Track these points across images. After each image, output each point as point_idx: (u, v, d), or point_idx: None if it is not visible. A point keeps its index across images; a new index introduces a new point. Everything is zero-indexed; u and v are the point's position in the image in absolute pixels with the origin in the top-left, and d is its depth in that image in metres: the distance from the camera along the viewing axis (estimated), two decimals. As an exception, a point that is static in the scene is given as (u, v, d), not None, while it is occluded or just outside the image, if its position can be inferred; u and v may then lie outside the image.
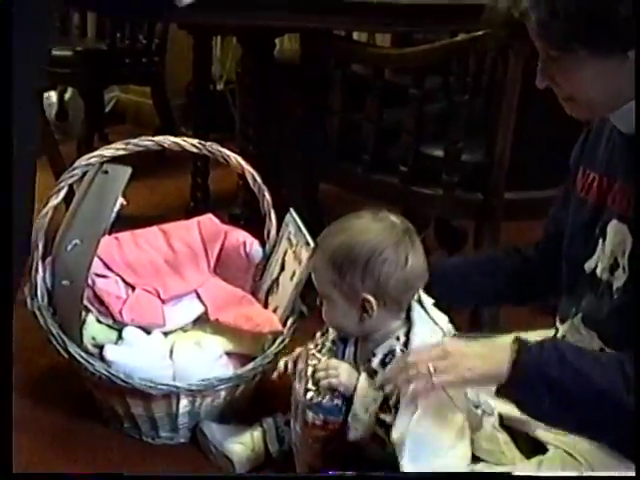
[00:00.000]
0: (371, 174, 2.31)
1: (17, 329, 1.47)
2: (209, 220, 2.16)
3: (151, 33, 3.67)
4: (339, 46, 2.50)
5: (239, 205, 2.62)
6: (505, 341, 1.37)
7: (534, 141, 2.10)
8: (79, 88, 3.81)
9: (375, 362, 1.49)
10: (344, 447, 1.48)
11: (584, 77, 1.36)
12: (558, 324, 1.59)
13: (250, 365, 1.89)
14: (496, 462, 1.47)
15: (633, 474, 1.33)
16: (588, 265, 1.51)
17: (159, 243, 2.12)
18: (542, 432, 1.50)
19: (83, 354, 1.83)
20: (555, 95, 1.44)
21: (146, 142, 1.94)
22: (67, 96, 4.33)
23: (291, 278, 1.93)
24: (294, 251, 1.95)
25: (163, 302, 2.01)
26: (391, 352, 1.49)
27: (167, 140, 1.95)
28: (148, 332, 1.94)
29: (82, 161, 1.87)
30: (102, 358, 1.84)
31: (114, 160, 1.89)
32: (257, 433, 1.82)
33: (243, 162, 2.00)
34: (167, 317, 1.98)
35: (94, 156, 1.88)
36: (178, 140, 1.96)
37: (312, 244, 1.78)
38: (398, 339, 1.51)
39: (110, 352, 1.84)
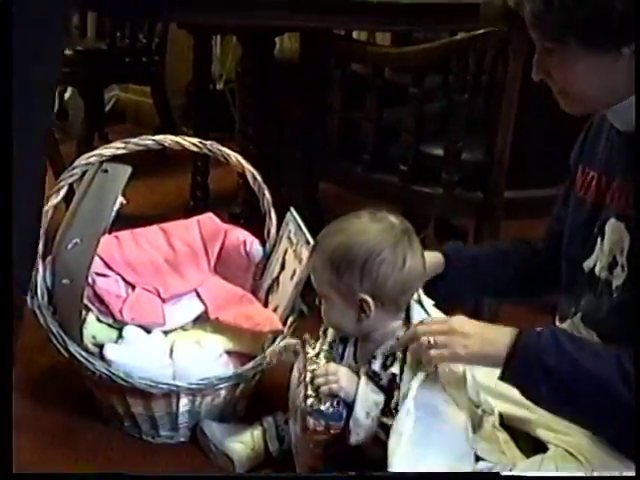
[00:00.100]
0: (371, 173, 2.31)
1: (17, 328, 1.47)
2: (209, 219, 2.16)
3: (151, 32, 3.67)
4: (339, 45, 2.51)
5: (239, 204, 2.62)
6: (508, 328, 1.39)
7: (534, 140, 2.10)
8: (79, 88, 3.80)
9: (377, 364, 1.49)
10: (345, 450, 1.48)
11: (577, 70, 1.36)
12: (558, 323, 1.59)
13: (250, 364, 1.89)
14: (496, 461, 1.47)
15: (633, 474, 1.33)
16: (587, 264, 1.51)
17: (159, 242, 2.12)
18: (542, 431, 1.50)
19: (83, 353, 1.83)
20: (555, 95, 1.45)
21: (146, 141, 1.94)
22: (67, 96, 4.33)
23: (291, 277, 1.93)
24: (294, 250, 1.95)
25: (163, 301, 2.01)
26: (392, 354, 1.48)
27: (167, 139, 1.95)
28: (148, 331, 1.94)
29: (82, 160, 1.87)
30: (102, 357, 1.84)
31: (114, 159, 1.89)
32: (257, 432, 1.82)
33: (243, 161, 2.00)
34: (167, 316, 1.98)
35: (94, 155, 1.88)
36: (178, 139, 1.96)
37: (312, 243, 1.78)
38: (397, 341, 1.50)
39: (110, 351, 1.84)
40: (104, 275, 1.99)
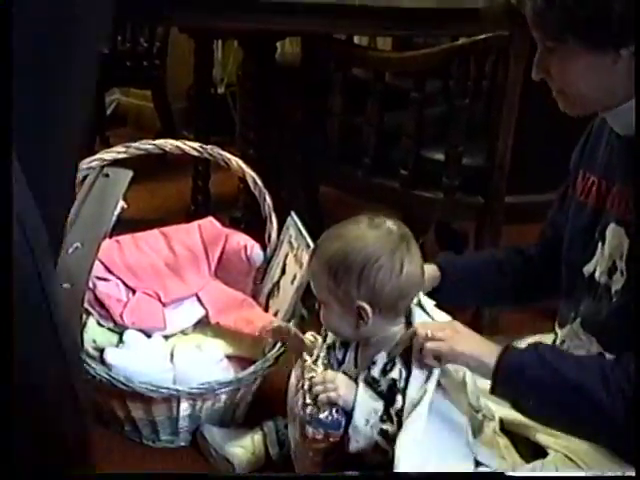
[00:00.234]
0: (372, 177, 2.31)
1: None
2: (210, 223, 2.16)
3: (152, 36, 3.67)
4: (340, 50, 2.51)
5: (240, 208, 2.62)
6: (493, 348, 1.42)
7: (534, 144, 2.10)
8: (80, 91, 3.80)
9: (376, 370, 1.49)
10: (345, 457, 1.48)
11: (576, 70, 1.37)
12: (557, 329, 1.59)
13: (251, 369, 1.89)
14: (496, 467, 1.47)
15: (633, 474, 1.34)
16: (587, 269, 1.51)
17: (160, 246, 2.12)
18: (542, 436, 1.50)
19: (84, 357, 1.83)
20: (555, 99, 1.45)
21: (147, 145, 1.94)
22: (68, 99, 4.33)
23: (292, 282, 1.93)
24: (295, 254, 1.95)
25: (164, 305, 2.02)
26: (391, 360, 1.48)
27: (168, 143, 1.96)
28: (149, 335, 1.94)
29: (83, 164, 1.87)
30: (102, 361, 1.84)
31: (115, 163, 1.90)
32: (257, 436, 1.82)
33: (244, 165, 2.00)
34: (168, 320, 1.98)
35: (95, 159, 1.88)
36: (179, 143, 1.96)
37: (312, 247, 1.78)
38: (397, 346, 1.50)
39: (111, 355, 1.84)
40: (105, 279, 1.99)
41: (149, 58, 3.70)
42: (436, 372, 1.44)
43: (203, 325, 2.02)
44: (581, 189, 1.55)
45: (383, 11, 2.21)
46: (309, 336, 1.75)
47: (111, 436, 1.92)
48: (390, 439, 1.43)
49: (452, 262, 1.76)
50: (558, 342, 1.57)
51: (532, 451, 1.51)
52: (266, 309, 2.02)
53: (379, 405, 1.45)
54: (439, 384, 1.44)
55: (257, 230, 2.10)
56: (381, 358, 1.49)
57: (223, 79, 4.18)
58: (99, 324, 1.92)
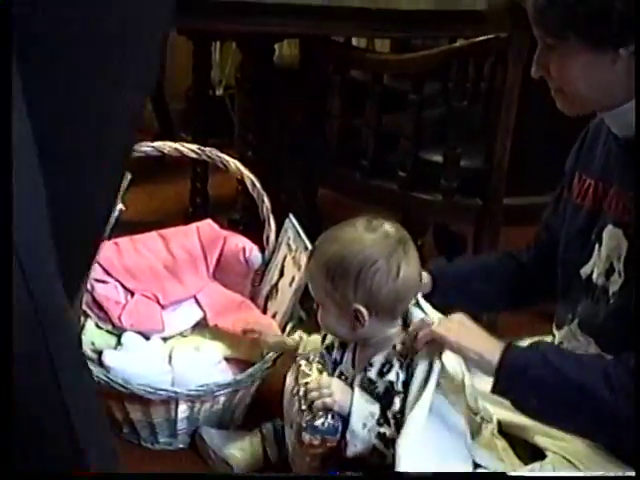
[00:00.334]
0: (370, 179, 2.31)
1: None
2: (208, 225, 2.16)
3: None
4: (338, 52, 2.51)
5: (238, 210, 2.62)
6: (496, 344, 1.42)
7: (533, 146, 2.10)
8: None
9: (373, 372, 1.49)
10: (343, 461, 1.48)
11: (575, 68, 1.38)
12: (555, 330, 1.60)
13: (249, 371, 1.89)
14: (495, 469, 1.47)
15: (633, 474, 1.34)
16: (584, 271, 1.51)
17: (158, 248, 2.12)
18: (541, 438, 1.50)
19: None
20: (554, 101, 1.45)
21: (145, 147, 1.94)
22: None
23: (290, 284, 1.93)
24: (293, 257, 1.95)
25: (162, 307, 2.01)
26: (388, 362, 1.48)
27: (166, 146, 1.96)
28: (147, 337, 1.94)
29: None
30: (101, 363, 1.84)
31: (113, 165, 1.89)
32: (256, 439, 1.82)
33: (242, 167, 2.00)
34: (166, 322, 1.98)
35: (93, 161, 1.88)
36: (177, 145, 1.96)
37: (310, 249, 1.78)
38: (395, 349, 1.50)
39: (109, 357, 1.84)
40: (103, 281, 1.99)
41: (147, 60, 3.69)
42: (436, 369, 1.43)
43: (201, 327, 2.02)
44: (577, 191, 1.56)
45: (381, 13, 2.21)
46: (295, 336, 1.75)
47: (109, 438, 1.91)
48: (388, 442, 1.43)
49: (443, 269, 1.76)
50: (556, 344, 1.57)
51: (530, 453, 1.51)
52: (264, 311, 2.02)
53: (376, 408, 1.45)
54: (439, 384, 1.44)
55: (255, 232, 2.10)
56: (378, 360, 1.49)
57: (221, 81, 4.18)
58: (97, 326, 1.92)
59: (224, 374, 1.90)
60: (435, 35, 2.53)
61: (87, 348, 1.86)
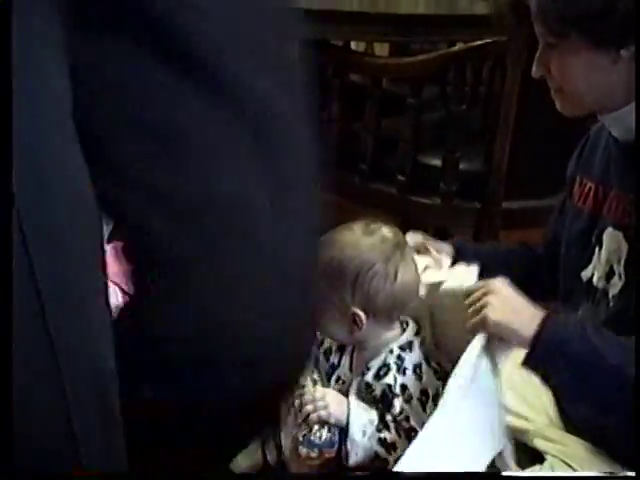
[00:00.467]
0: (369, 183, 2.32)
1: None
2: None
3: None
4: (337, 56, 2.51)
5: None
6: (535, 312, 1.37)
7: (532, 150, 2.11)
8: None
9: (369, 375, 1.49)
10: (343, 469, 1.47)
11: (576, 67, 1.38)
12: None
13: (248, 374, 1.88)
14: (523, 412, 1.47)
15: (633, 474, 1.34)
16: (585, 274, 1.51)
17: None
18: (540, 441, 1.50)
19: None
20: (553, 105, 1.45)
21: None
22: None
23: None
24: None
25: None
26: (386, 365, 1.48)
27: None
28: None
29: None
30: (100, 367, 1.83)
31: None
32: (255, 441, 1.82)
33: (241, 171, 2.00)
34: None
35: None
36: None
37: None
38: (392, 352, 1.50)
39: (108, 361, 1.84)
40: (102, 285, 1.99)
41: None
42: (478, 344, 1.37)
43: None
44: (578, 195, 1.56)
45: (380, 17, 2.21)
46: None
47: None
48: (389, 447, 1.43)
49: (465, 245, 1.76)
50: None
51: (530, 456, 1.51)
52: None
53: (373, 415, 1.45)
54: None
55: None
56: (375, 363, 1.49)
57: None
58: (96, 330, 1.91)
59: (223, 377, 1.90)
60: (434, 39, 2.53)
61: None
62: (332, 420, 1.45)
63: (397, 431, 1.43)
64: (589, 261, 1.50)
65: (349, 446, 1.44)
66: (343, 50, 2.73)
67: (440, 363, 1.49)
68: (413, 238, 1.60)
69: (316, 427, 1.45)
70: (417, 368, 1.48)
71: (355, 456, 1.45)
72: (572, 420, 1.50)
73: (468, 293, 1.43)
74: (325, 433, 1.44)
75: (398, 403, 1.44)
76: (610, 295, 1.45)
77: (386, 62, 2.68)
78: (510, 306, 1.39)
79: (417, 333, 1.52)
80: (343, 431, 1.45)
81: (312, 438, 1.44)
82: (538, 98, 1.48)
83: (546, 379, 1.42)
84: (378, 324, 1.49)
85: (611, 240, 1.45)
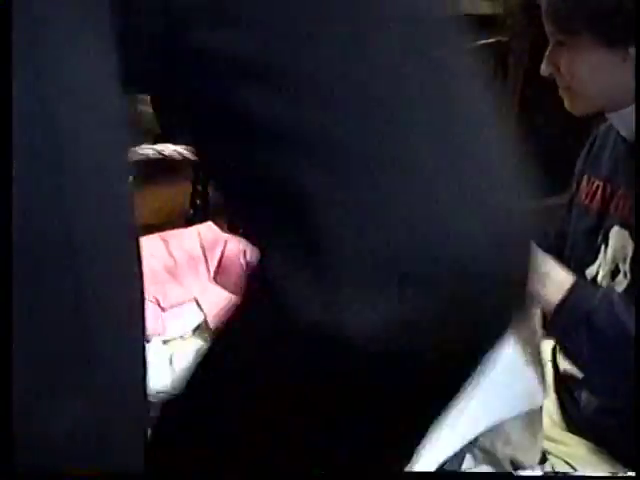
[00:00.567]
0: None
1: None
2: (209, 228, 2.16)
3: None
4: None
5: (239, 213, 2.61)
6: (564, 277, 1.36)
7: (535, 150, 2.10)
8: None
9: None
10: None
11: (585, 65, 1.39)
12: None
13: (249, 373, 1.88)
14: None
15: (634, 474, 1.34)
16: (589, 272, 1.51)
17: (159, 251, 2.12)
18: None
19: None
20: (559, 104, 1.45)
21: (146, 150, 1.94)
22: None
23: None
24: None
25: (163, 310, 2.01)
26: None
27: (167, 148, 1.96)
28: (147, 340, 1.94)
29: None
30: (101, 366, 1.83)
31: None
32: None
33: (243, 170, 2.00)
34: (166, 325, 1.98)
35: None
36: (178, 148, 1.96)
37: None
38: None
39: (109, 360, 1.84)
40: (104, 284, 1.98)
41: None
42: None
43: (202, 330, 2.02)
44: (586, 193, 1.56)
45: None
46: None
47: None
48: None
49: None
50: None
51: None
52: (265, 314, 2.02)
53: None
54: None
55: (256, 235, 2.09)
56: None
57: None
58: (98, 329, 1.91)
59: (224, 377, 1.90)
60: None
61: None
62: None
63: None
64: (594, 259, 1.50)
65: None
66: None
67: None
68: None
69: None
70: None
71: None
72: (574, 420, 1.50)
73: None
74: None
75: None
76: (614, 293, 1.45)
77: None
78: (538, 268, 1.37)
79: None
80: None
81: None
82: (540, 99, 1.47)
83: (563, 348, 1.41)
84: None
85: (617, 238, 1.45)
